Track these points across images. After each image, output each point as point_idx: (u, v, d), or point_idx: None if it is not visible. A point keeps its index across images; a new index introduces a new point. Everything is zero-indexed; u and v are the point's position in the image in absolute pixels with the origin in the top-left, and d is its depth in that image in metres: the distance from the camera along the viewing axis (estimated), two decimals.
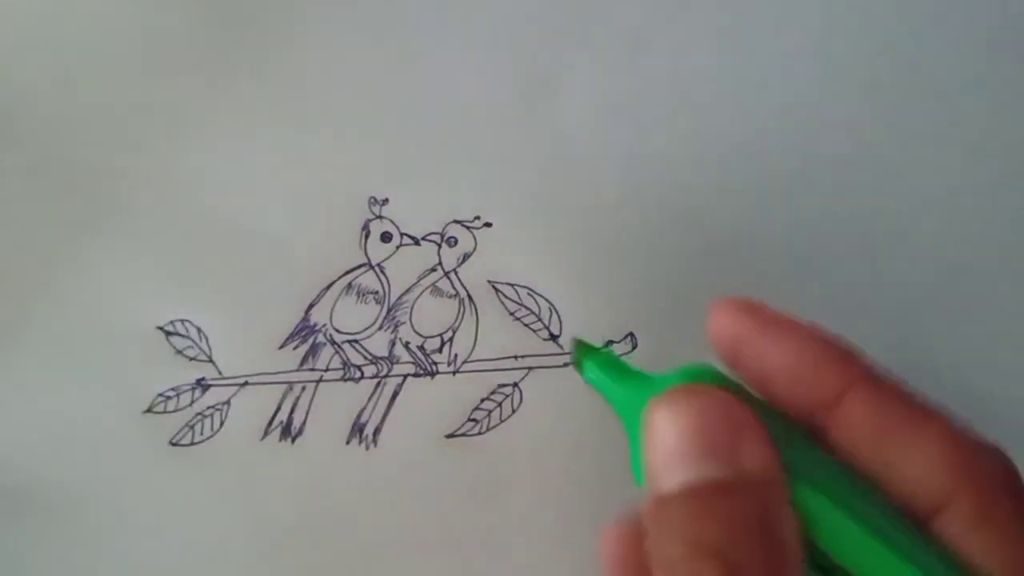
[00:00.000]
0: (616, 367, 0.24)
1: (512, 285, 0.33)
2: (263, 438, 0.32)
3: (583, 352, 0.25)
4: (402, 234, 0.33)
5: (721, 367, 0.23)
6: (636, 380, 0.24)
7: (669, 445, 0.21)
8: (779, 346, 0.22)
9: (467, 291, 0.33)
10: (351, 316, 0.33)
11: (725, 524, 0.20)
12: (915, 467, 0.22)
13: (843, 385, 0.22)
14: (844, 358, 0.22)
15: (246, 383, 0.32)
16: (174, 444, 0.32)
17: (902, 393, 0.22)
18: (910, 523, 0.22)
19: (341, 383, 0.33)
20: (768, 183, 0.33)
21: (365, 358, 0.33)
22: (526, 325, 0.33)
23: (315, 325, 0.33)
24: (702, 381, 0.22)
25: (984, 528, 0.21)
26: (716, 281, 0.33)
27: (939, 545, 0.21)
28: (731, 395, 0.21)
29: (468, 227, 0.33)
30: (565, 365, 0.33)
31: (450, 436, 0.32)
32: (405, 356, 0.33)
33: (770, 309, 0.23)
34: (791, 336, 0.22)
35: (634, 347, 0.32)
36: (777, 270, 0.33)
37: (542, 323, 0.33)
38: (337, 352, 0.33)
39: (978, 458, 0.22)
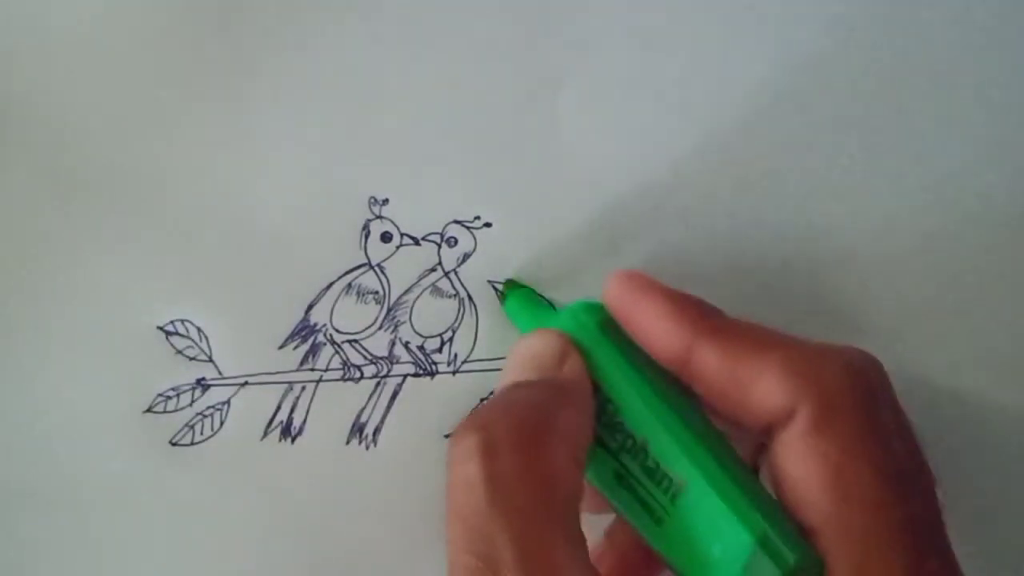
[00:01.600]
0: (532, 302, 0.30)
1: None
2: (263, 438, 0.32)
3: (509, 289, 0.31)
4: (402, 234, 0.33)
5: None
6: (543, 314, 0.30)
7: (509, 362, 0.27)
8: (642, 308, 0.27)
9: (467, 291, 0.33)
10: (351, 316, 0.33)
11: (503, 407, 0.24)
12: (761, 392, 0.24)
13: (691, 337, 0.26)
14: (694, 314, 0.26)
15: (246, 383, 0.32)
16: (174, 444, 0.32)
17: (747, 333, 0.26)
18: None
19: (341, 383, 0.33)
20: (769, 183, 0.33)
21: (365, 358, 0.33)
22: None
23: (315, 325, 0.33)
24: (585, 315, 0.28)
25: (818, 434, 0.24)
26: (716, 281, 0.33)
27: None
28: (565, 335, 0.27)
29: (468, 227, 0.33)
30: None
31: (450, 436, 0.32)
32: (405, 356, 0.33)
33: (645, 278, 0.27)
34: (652, 299, 0.27)
35: None
36: (778, 270, 0.33)
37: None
38: (337, 352, 0.33)
39: (819, 367, 0.24)
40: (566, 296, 0.33)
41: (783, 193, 0.33)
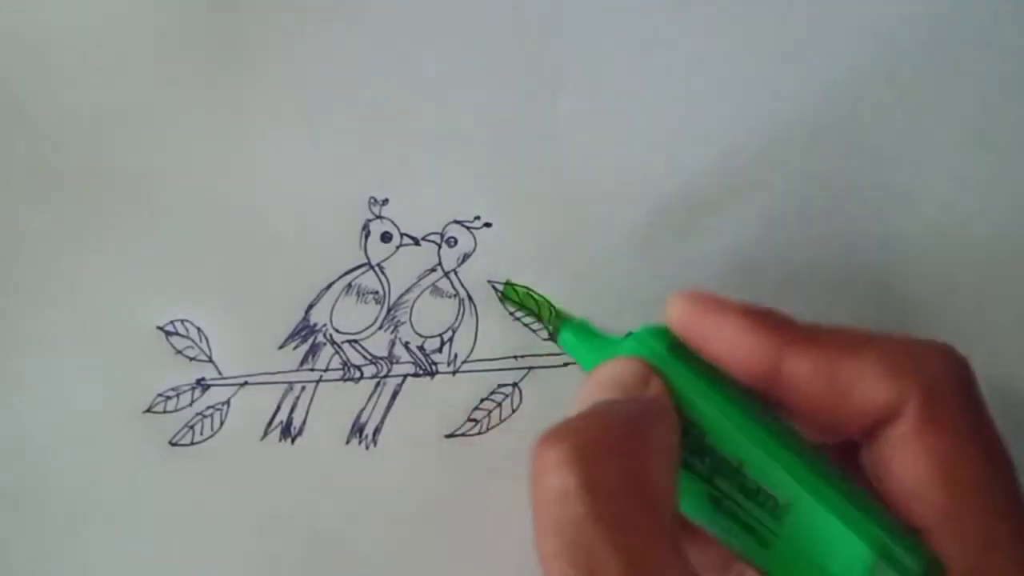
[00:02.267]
0: (588, 332, 0.28)
1: (512, 285, 0.33)
2: (263, 438, 0.32)
3: (563, 321, 0.29)
4: (402, 234, 0.33)
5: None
6: (604, 343, 0.28)
7: (589, 387, 0.26)
8: (719, 327, 0.25)
9: (467, 291, 0.33)
10: (351, 316, 0.33)
11: (596, 414, 0.23)
12: (863, 392, 0.23)
13: (778, 349, 0.24)
14: (774, 325, 0.25)
15: (246, 383, 0.32)
16: (174, 444, 0.32)
17: (837, 336, 0.24)
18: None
19: (341, 383, 0.33)
20: (770, 183, 0.33)
21: (365, 358, 0.33)
22: (526, 325, 0.33)
23: (315, 325, 0.33)
24: (653, 339, 0.26)
25: (928, 430, 0.23)
26: (716, 281, 0.33)
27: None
28: (644, 360, 0.25)
29: (468, 227, 0.33)
30: (565, 365, 0.33)
31: (450, 436, 0.33)
32: (405, 356, 0.33)
33: (710, 296, 0.26)
34: (728, 316, 0.25)
35: None
36: (779, 271, 0.33)
37: (541, 323, 0.33)
38: (337, 352, 0.33)
39: (921, 360, 0.24)
40: (566, 296, 0.33)
41: (784, 193, 0.33)
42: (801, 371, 0.24)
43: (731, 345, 0.25)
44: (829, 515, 0.23)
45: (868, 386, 0.23)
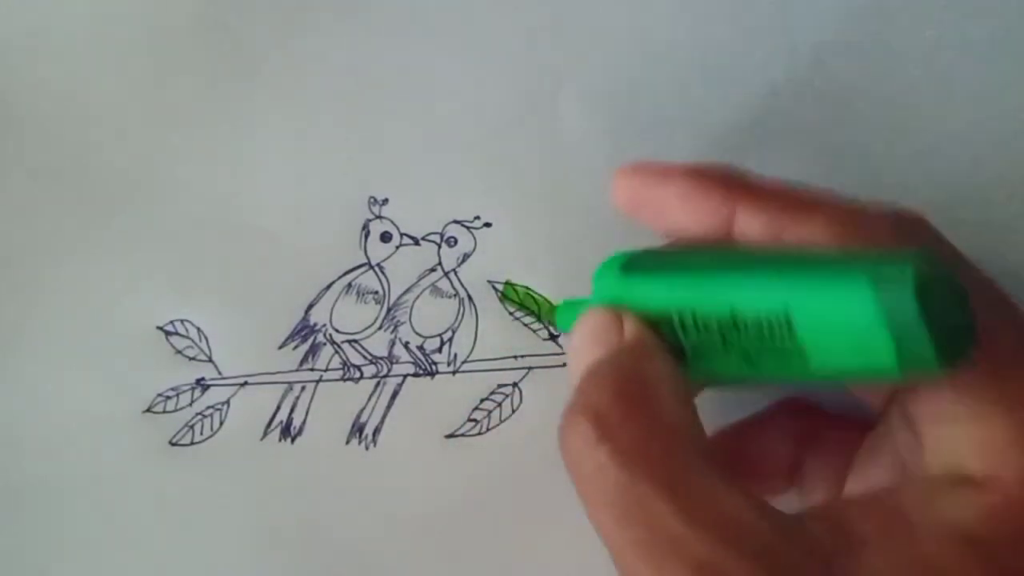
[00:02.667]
0: (580, 305, 0.28)
1: (512, 285, 0.33)
2: (263, 438, 0.32)
3: (559, 307, 0.30)
4: (402, 234, 0.33)
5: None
6: (582, 304, 0.28)
7: (574, 355, 0.26)
8: (663, 196, 0.26)
9: (467, 291, 0.33)
10: (351, 316, 0.33)
11: (596, 383, 0.24)
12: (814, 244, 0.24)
13: (729, 207, 0.25)
14: (725, 180, 0.25)
15: (246, 383, 0.32)
16: (174, 444, 0.32)
17: (787, 196, 0.25)
18: None
19: (341, 383, 0.33)
20: None
21: (365, 358, 0.33)
22: (526, 325, 0.33)
23: (315, 325, 0.33)
24: (605, 275, 0.27)
25: None
26: None
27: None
28: (607, 309, 0.26)
29: (468, 227, 0.33)
30: (565, 365, 0.33)
31: (450, 436, 0.33)
32: (405, 356, 0.33)
33: (652, 166, 0.27)
34: (671, 182, 0.26)
35: None
36: None
37: (542, 323, 0.33)
38: (337, 352, 0.33)
39: (864, 220, 0.24)
40: (566, 296, 0.33)
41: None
42: (750, 232, 0.25)
43: (681, 211, 0.26)
44: (818, 292, 0.23)
45: (817, 243, 0.24)
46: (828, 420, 0.29)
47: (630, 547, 0.22)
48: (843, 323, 0.22)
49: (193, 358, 0.32)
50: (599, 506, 0.23)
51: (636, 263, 0.26)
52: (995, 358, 0.23)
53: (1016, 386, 0.23)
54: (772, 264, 0.24)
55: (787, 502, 0.28)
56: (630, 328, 0.26)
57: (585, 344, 0.26)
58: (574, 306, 0.28)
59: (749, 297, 0.24)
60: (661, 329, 0.25)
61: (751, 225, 0.25)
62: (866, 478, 0.27)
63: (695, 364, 0.25)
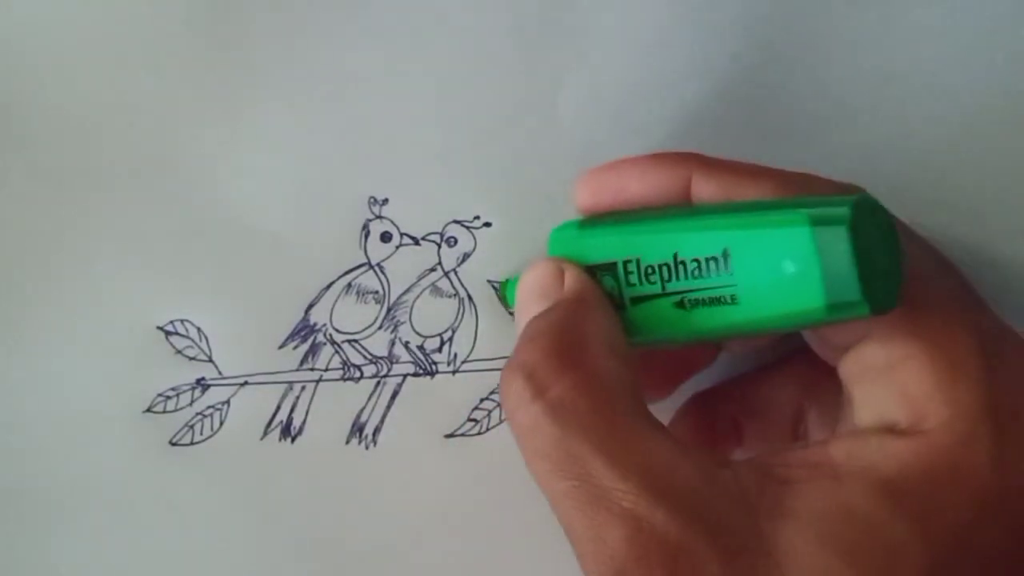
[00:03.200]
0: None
1: (512, 285, 0.33)
2: (263, 438, 0.32)
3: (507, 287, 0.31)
4: (402, 234, 0.33)
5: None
6: None
7: (517, 306, 0.28)
8: (623, 176, 0.28)
9: (467, 291, 0.33)
10: (351, 316, 0.33)
11: (531, 340, 0.26)
12: None
13: (685, 176, 0.27)
14: (680, 157, 0.27)
15: (246, 383, 0.33)
16: (174, 444, 0.32)
17: (741, 165, 0.26)
18: None
19: (341, 383, 0.33)
20: None
21: (365, 358, 0.33)
22: None
23: (315, 325, 0.33)
24: (561, 228, 0.29)
25: None
26: None
27: None
28: (551, 260, 0.28)
29: (468, 227, 0.33)
30: None
31: (450, 436, 0.33)
32: (405, 356, 0.33)
33: (610, 163, 0.28)
34: (629, 165, 0.28)
35: None
36: None
37: None
38: (337, 352, 0.33)
39: (808, 184, 0.26)
40: None
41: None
42: (705, 195, 0.26)
43: (639, 184, 0.27)
44: (757, 230, 0.23)
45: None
46: (828, 370, 0.30)
47: (564, 498, 0.23)
48: (777, 259, 0.23)
49: (193, 358, 0.32)
50: (535, 459, 0.24)
51: (591, 220, 0.28)
52: (920, 308, 0.24)
53: (940, 334, 0.24)
54: (717, 211, 0.25)
55: None
56: (570, 279, 0.27)
57: (527, 298, 0.28)
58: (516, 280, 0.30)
59: (692, 238, 0.25)
60: (604, 283, 0.27)
61: (705, 189, 0.26)
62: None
63: (634, 316, 0.27)
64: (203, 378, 0.32)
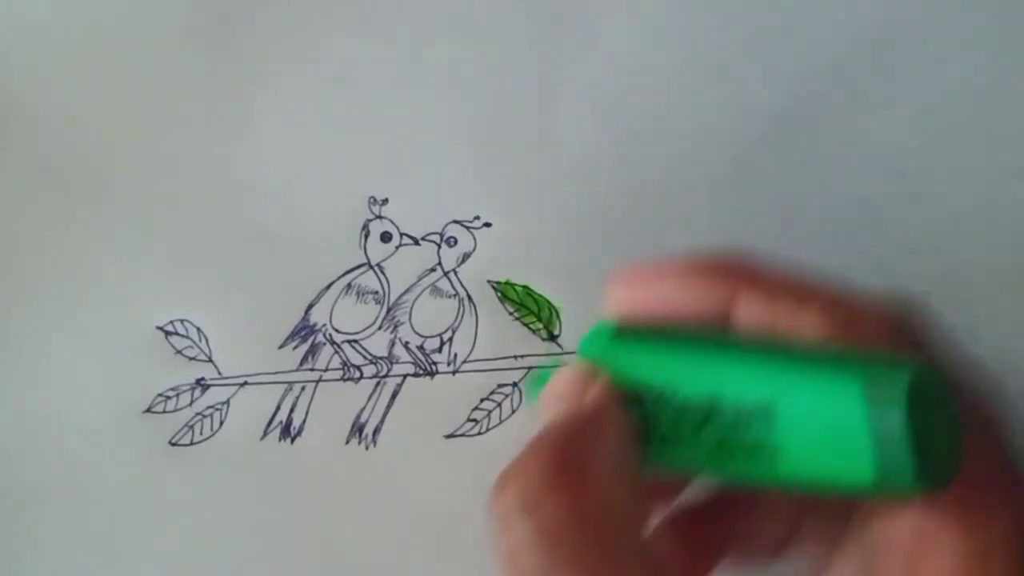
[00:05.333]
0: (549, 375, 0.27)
1: (512, 285, 0.33)
2: (263, 438, 0.32)
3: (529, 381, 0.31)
4: (402, 234, 0.33)
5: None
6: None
7: (540, 407, 0.26)
8: (662, 294, 0.26)
9: (467, 291, 0.33)
10: (351, 316, 0.33)
11: (535, 449, 0.23)
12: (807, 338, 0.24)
13: (729, 294, 0.25)
14: (720, 272, 0.25)
15: (245, 383, 0.32)
16: (173, 444, 0.32)
17: (785, 281, 0.25)
18: None
19: (341, 383, 0.33)
20: (769, 184, 0.33)
21: (365, 358, 0.33)
22: (525, 325, 0.33)
23: (315, 325, 0.33)
24: (595, 336, 0.26)
25: None
26: None
27: None
28: (582, 364, 0.26)
29: (468, 227, 0.33)
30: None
31: (450, 436, 0.33)
32: (405, 356, 0.33)
33: (645, 269, 0.26)
34: (666, 280, 0.26)
35: None
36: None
37: (541, 323, 0.33)
38: (337, 352, 0.33)
39: (859, 317, 0.24)
40: (565, 295, 0.33)
41: (787, 194, 0.33)
42: (748, 319, 0.24)
43: (681, 299, 0.25)
44: (806, 389, 0.22)
45: (809, 335, 0.24)
46: None
47: None
48: (826, 425, 0.21)
49: (193, 358, 0.32)
50: None
51: (628, 331, 0.26)
52: (961, 482, 0.22)
53: (977, 517, 0.22)
54: (764, 354, 0.23)
55: None
56: (594, 392, 0.25)
57: (549, 398, 0.26)
58: (547, 375, 0.28)
59: (736, 383, 0.23)
60: (633, 403, 0.25)
61: (748, 313, 0.24)
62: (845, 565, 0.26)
63: (660, 446, 0.25)
64: (203, 378, 0.32)
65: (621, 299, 0.26)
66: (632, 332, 0.26)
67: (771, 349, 0.23)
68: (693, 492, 0.29)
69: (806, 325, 0.24)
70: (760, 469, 0.23)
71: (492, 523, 0.23)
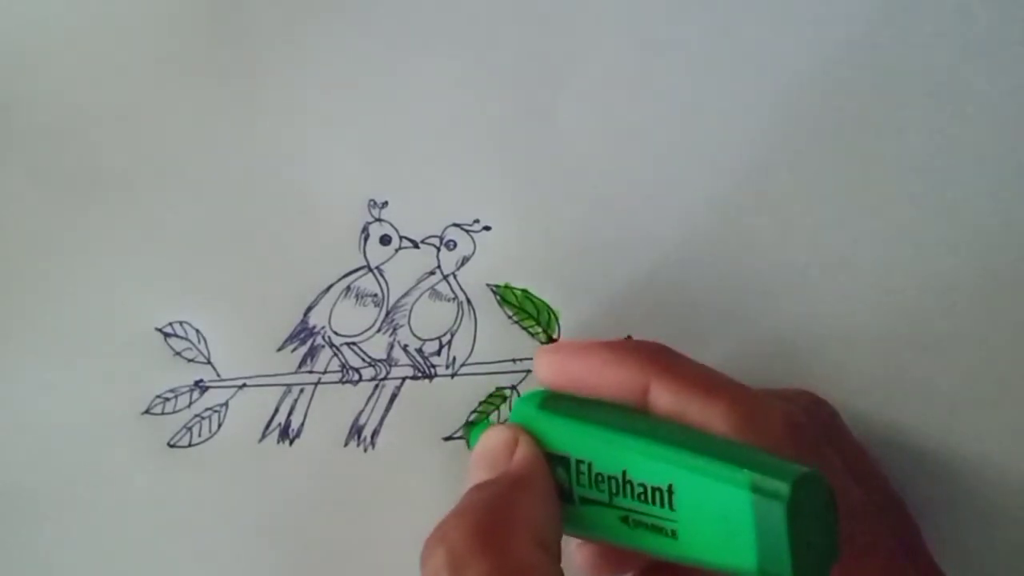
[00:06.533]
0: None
1: (511, 288, 0.33)
2: (261, 440, 0.32)
3: (471, 431, 0.32)
4: (401, 237, 0.33)
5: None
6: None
7: (470, 466, 0.28)
8: (586, 366, 0.28)
9: (466, 294, 0.33)
10: (350, 318, 0.33)
11: (460, 514, 0.25)
12: (712, 430, 0.26)
13: (644, 378, 0.27)
14: (639, 357, 0.27)
15: (244, 385, 0.33)
16: (172, 446, 0.32)
17: (697, 375, 0.27)
18: None
19: (339, 385, 0.33)
20: (768, 185, 0.33)
21: (363, 360, 0.33)
22: (524, 328, 0.33)
23: (314, 327, 0.33)
24: (525, 401, 0.28)
25: None
26: (715, 284, 0.33)
27: None
28: (512, 426, 0.28)
29: (467, 230, 0.33)
30: None
31: (448, 439, 0.33)
32: (403, 359, 0.33)
33: (570, 343, 0.29)
34: (591, 354, 0.28)
35: None
36: (776, 272, 0.33)
37: (540, 327, 0.33)
38: (335, 354, 0.33)
39: (758, 410, 0.26)
40: (564, 300, 0.33)
41: (788, 194, 0.33)
42: (660, 405, 0.26)
43: (600, 378, 0.27)
44: (702, 478, 0.24)
45: (714, 429, 0.25)
46: None
47: None
48: (717, 513, 0.24)
49: (192, 360, 0.32)
50: None
51: (553, 401, 0.28)
52: (850, 556, 0.24)
53: None
54: (669, 440, 0.25)
55: None
56: (519, 455, 0.27)
57: (476, 462, 0.28)
58: (484, 427, 0.30)
59: (642, 463, 0.25)
60: (556, 472, 0.27)
61: (660, 400, 0.26)
62: None
63: (580, 514, 0.27)
64: (202, 380, 0.32)
65: (547, 369, 0.28)
66: (558, 401, 0.28)
67: (677, 436, 0.25)
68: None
69: (712, 418, 0.26)
70: (661, 544, 0.25)
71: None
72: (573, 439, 0.27)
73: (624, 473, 0.26)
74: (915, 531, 0.30)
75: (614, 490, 0.26)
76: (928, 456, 0.33)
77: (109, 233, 0.32)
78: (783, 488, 0.23)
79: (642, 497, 0.25)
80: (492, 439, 0.28)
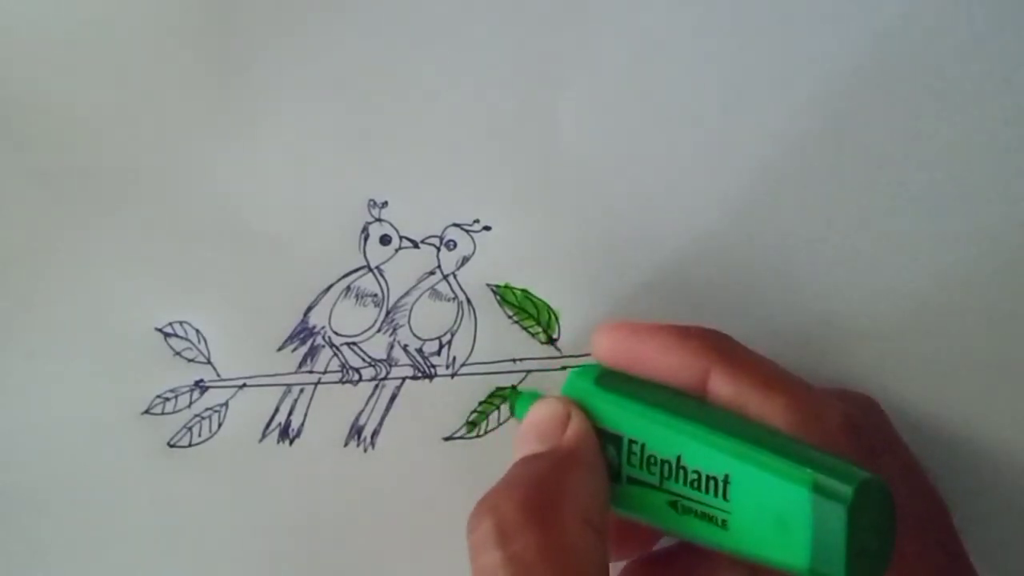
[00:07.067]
0: (536, 399, 0.29)
1: (511, 288, 0.33)
2: (261, 440, 0.32)
3: (516, 399, 0.31)
4: (401, 237, 0.33)
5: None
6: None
7: (518, 437, 0.28)
8: (646, 347, 0.28)
9: (466, 294, 0.33)
10: (350, 318, 0.33)
11: (510, 485, 0.25)
12: (771, 423, 0.26)
13: (704, 367, 0.27)
14: (700, 345, 0.27)
15: (244, 385, 0.33)
16: (172, 445, 0.32)
17: (756, 368, 0.27)
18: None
19: (339, 385, 0.33)
20: (769, 185, 0.33)
21: (363, 360, 0.33)
22: (524, 328, 0.33)
23: (314, 327, 0.33)
24: (581, 375, 0.28)
25: None
26: (715, 284, 0.33)
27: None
28: (565, 399, 0.28)
29: (467, 230, 0.33)
30: (563, 368, 0.33)
31: (448, 439, 0.33)
32: (403, 359, 0.33)
33: (632, 323, 0.28)
34: (653, 336, 0.28)
35: None
36: (776, 272, 0.33)
37: (540, 326, 0.33)
38: (335, 354, 0.33)
39: (818, 409, 0.26)
40: (564, 299, 0.33)
41: (788, 194, 0.33)
42: (721, 393, 0.26)
43: (661, 363, 0.27)
44: (761, 472, 0.24)
45: (773, 424, 0.26)
46: None
47: None
48: (774, 509, 0.24)
49: (192, 360, 0.32)
50: None
51: (609, 378, 0.28)
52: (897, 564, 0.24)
53: None
54: (726, 430, 0.25)
55: None
56: (572, 431, 0.27)
57: (527, 434, 0.28)
58: (533, 397, 0.30)
59: (700, 450, 0.25)
60: (607, 449, 0.27)
61: (721, 389, 0.26)
62: None
63: (627, 493, 0.27)
64: (202, 380, 0.32)
65: (607, 346, 0.28)
66: (614, 378, 0.28)
67: (736, 427, 0.25)
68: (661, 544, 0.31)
69: (772, 411, 0.26)
70: (711, 533, 0.25)
71: (469, 548, 0.25)
72: (628, 418, 0.27)
73: (679, 458, 0.26)
74: (959, 543, 0.30)
75: (666, 474, 0.26)
76: (949, 450, 0.33)
77: (109, 233, 0.32)
78: (846, 491, 0.23)
79: (695, 484, 0.25)
80: (544, 411, 0.28)
